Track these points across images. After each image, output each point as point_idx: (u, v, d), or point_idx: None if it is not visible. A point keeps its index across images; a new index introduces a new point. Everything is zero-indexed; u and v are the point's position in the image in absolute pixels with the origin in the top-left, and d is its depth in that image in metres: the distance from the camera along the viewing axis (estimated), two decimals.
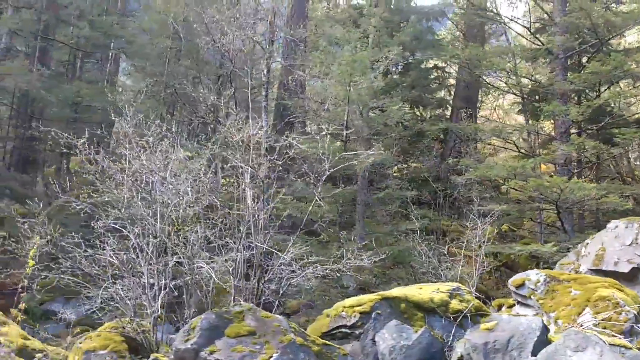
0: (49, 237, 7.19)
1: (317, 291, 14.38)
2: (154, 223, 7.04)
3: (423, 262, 12.04)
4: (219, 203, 7.19)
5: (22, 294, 7.07)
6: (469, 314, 7.47)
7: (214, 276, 6.41)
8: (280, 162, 6.99)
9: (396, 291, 7.72)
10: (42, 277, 7.61)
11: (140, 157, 7.35)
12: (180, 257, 6.73)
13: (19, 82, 14.78)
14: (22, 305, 9.12)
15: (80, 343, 7.07)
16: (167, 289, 7.09)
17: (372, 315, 7.18)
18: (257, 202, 6.95)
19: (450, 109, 25.40)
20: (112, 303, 7.50)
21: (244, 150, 7.17)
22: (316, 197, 7.24)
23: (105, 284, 7.03)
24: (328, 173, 7.17)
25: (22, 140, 21.29)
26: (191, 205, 6.82)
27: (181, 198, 6.66)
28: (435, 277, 14.69)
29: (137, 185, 7.05)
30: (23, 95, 20.56)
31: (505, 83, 17.96)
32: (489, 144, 23.54)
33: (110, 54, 24.85)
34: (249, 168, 7.34)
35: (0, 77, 14.81)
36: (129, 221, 7.45)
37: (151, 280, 7.29)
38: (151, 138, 6.97)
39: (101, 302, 8.07)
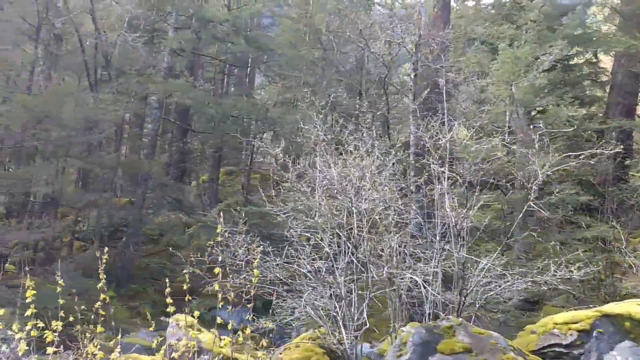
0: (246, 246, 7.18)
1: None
2: (350, 231, 6.79)
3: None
4: (415, 211, 6.80)
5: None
6: None
7: (429, 288, 6.01)
8: (487, 167, 6.52)
9: (616, 307, 6.89)
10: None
11: (331, 165, 7.16)
12: (382, 267, 6.41)
13: (185, 98, 15.54)
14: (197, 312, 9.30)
15: (281, 354, 7.00)
16: (367, 300, 6.80)
17: (593, 334, 6.43)
18: (463, 209, 6.47)
19: (605, 106, 23.43)
20: (305, 313, 7.37)
21: (442, 155, 6.74)
22: (530, 204, 6.63)
23: (305, 294, 6.88)
24: (542, 179, 6.56)
25: (180, 154, 22.64)
26: (390, 214, 6.50)
27: (386, 206, 6.36)
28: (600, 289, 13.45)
29: (335, 192, 6.85)
30: (181, 110, 21.86)
31: None
32: None
33: (248, 69, 25.79)
34: (445, 172, 6.89)
35: (166, 94, 15.65)
36: (322, 230, 7.29)
37: (344, 291, 7.06)
38: (350, 146, 6.76)
39: (291, 312, 8.03)
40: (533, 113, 15.92)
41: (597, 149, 9.15)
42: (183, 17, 18.76)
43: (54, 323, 5.23)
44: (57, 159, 13.07)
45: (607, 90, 23.57)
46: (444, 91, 16.98)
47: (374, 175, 6.67)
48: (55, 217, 18.73)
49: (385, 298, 7.45)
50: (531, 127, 13.88)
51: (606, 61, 25.23)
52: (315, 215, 7.34)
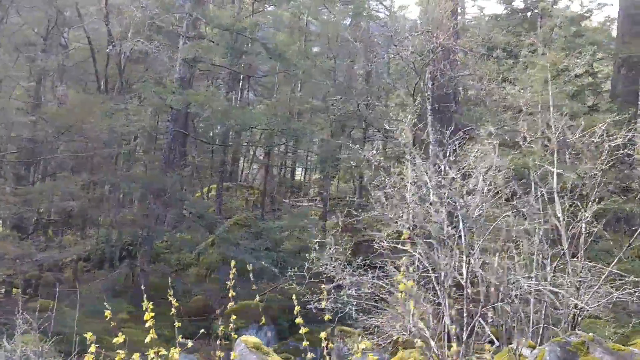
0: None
1: None
2: (458, 240, 6.24)
3: None
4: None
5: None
6: None
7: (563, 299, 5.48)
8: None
9: None
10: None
11: (423, 168, 6.64)
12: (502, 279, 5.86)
13: (203, 109, 14.88)
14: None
15: None
16: (477, 317, 6.23)
17: None
18: (581, 212, 5.99)
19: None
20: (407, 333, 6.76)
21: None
22: None
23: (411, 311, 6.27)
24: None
25: (183, 167, 21.84)
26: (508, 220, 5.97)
27: (507, 212, 5.83)
28: None
29: (435, 197, 6.30)
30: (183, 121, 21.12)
31: None
32: None
33: (240, 79, 25.31)
34: (555, 172, 6.41)
35: (184, 105, 14.96)
36: (417, 240, 6.73)
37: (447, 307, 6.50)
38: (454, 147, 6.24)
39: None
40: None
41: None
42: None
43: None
44: (82, 172, 12.25)
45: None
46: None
47: (485, 178, 6.14)
48: (63, 234, 17.73)
49: None
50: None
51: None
52: (409, 223, 6.78)
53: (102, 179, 13.03)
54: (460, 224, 6.36)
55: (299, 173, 34.27)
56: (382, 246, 7.09)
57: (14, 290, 16.97)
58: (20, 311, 7.41)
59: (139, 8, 13.58)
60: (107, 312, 4.77)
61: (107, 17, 14.58)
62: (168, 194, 15.68)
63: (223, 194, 29.19)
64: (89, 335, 4.27)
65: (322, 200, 19.24)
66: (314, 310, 8.11)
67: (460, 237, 6.27)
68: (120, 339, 4.87)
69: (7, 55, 12.18)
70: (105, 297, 15.47)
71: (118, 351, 5.06)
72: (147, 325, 4.79)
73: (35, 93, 15.49)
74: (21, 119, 11.17)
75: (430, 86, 18.22)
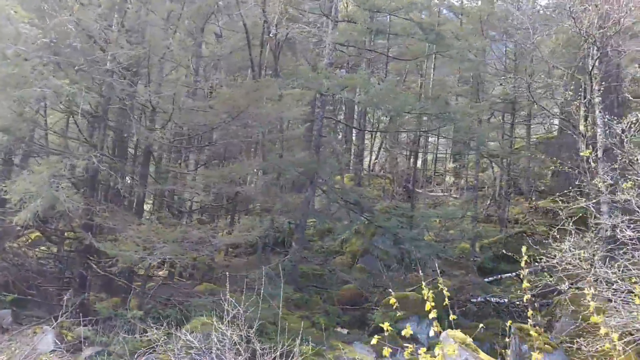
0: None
1: None
2: None
3: None
4: None
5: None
6: None
7: None
8: None
9: None
10: None
11: None
12: None
13: (357, 94, 14.48)
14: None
15: None
16: None
17: None
18: None
19: None
20: None
21: None
22: None
23: None
24: None
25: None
26: None
27: None
28: None
29: None
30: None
31: None
32: None
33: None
34: None
35: (339, 90, 14.63)
36: None
37: None
38: None
39: None
40: None
41: None
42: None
43: None
44: (253, 157, 12.28)
45: None
46: None
47: None
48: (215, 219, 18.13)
49: None
50: None
51: None
52: None
53: (264, 165, 12.98)
54: None
55: (428, 162, 33.33)
56: (626, 235, 6.23)
57: (175, 273, 17.53)
58: (227, 296, 7.35)
59: None
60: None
61: (265, 2, 14.53)
62: (320, 180, 15.48)
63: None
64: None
65: (473, 188, 18.24)
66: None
67: None
68: (408, 331, 4.50)
69: (176, 44, 12.37)
70: (265, 283, 15.55)
71: (406, 345, 4.70)
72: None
73: (193, 81, 15.86)
74: (195, 103, 11.29)
75: (597, 64, 16.68)
